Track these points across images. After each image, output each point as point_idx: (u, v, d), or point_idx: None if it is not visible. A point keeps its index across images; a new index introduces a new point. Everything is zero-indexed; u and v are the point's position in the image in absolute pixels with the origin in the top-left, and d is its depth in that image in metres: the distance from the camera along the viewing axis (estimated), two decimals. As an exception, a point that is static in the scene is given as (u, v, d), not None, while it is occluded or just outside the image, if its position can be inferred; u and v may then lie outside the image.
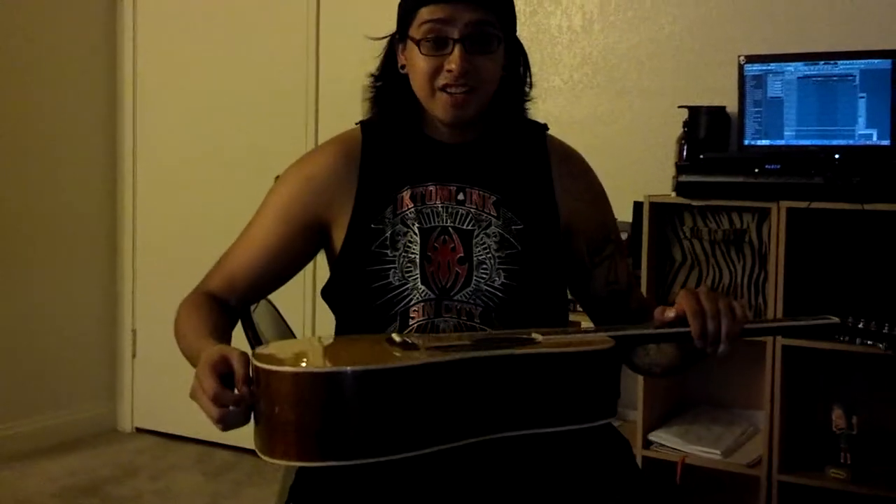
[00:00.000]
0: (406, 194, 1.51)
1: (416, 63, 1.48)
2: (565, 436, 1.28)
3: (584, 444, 1.41)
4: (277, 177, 1.65)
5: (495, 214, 1.51)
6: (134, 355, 4.10)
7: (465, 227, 1.50)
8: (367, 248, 1.49)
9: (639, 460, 2.74)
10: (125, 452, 3.82)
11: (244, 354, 1.23)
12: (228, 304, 1.56)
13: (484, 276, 1.47)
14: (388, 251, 1.48)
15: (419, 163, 1.54)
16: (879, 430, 2.65)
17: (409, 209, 1.50)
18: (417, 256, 1.47)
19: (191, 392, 1.23)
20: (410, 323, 1.45)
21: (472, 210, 1.51)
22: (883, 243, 2.57)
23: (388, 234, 1.49)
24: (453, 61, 1.44)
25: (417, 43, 1.46)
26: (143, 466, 3.66)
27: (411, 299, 1.46)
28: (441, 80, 1.46)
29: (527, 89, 1.59)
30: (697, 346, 1.33)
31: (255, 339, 1.66)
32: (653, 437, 2.77)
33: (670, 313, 1.35)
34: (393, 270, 1.47)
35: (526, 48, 1.59)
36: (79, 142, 3.95)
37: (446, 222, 1.50)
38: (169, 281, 3.23)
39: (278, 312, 1.92)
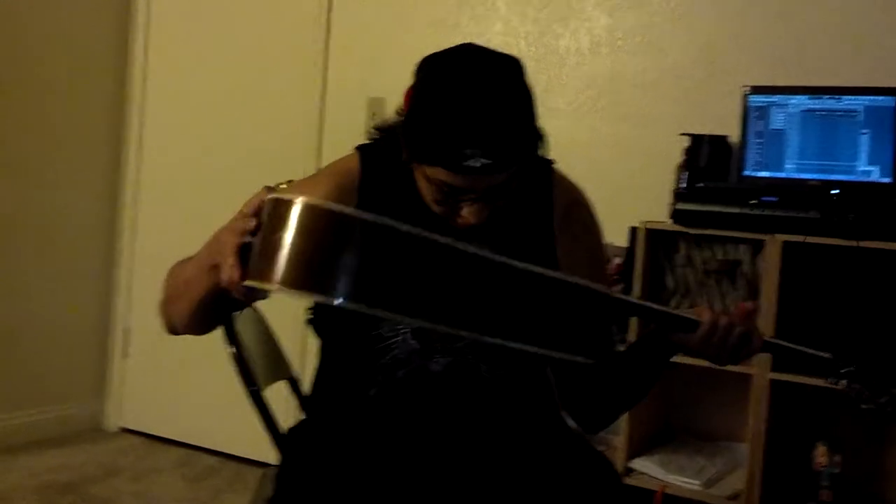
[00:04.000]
0: None
1: (425, 194, 1.41)
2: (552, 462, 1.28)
3: (572, 471, 1.40)
4: (279, 185, 1.65)
5: None
6: (125, 355, 4.08)
7: None
8: None
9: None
10: (108, 452, 3.79)
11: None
12: None
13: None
14: None
15: (416, 211, 1.45)
16: (862, 470, 2.61)
17: None
18: None
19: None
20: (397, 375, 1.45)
21: None
22: (878, 281, 2.54)
23: None
24: (469, 215, 1.37)
25: (428, 181, 1.37)
26: (126, 467, 3.63)
27: (394, 347, 1.46)
28: (454, 215, 1.39)
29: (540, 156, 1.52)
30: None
31: (232, 340, 1.68)
32: (634, 464, 2.74)
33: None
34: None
35: (533, 69, 1.48)
36: (81, 139, 3.95)
37: None
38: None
39: (262, 318, 1.91)
